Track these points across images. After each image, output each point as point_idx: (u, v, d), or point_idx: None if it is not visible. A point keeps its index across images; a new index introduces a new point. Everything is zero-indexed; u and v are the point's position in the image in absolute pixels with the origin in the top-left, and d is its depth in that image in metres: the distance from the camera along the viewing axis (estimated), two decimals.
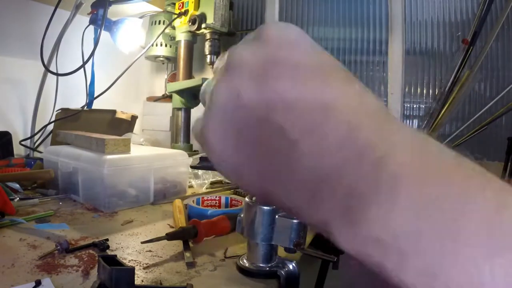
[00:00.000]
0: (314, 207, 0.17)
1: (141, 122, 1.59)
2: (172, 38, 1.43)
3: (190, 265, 0.51)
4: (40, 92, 1.17)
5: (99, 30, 1.09)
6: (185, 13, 1.28)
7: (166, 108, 1.53)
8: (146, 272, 0.48)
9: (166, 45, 1.46)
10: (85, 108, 1.18)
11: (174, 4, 1.35)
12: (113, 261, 0.40)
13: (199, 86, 1.22)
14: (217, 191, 0.97)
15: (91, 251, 0.54)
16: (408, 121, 1.71)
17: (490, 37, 1.50)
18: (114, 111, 1.23)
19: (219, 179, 1.06)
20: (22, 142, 1.13)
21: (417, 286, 0.15)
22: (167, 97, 1.58)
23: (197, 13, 1.25)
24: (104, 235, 0.60)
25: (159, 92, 1.73)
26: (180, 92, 1.31)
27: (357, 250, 0.17)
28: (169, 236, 0.55)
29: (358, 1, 1.76)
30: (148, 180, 0.83)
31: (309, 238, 0.67)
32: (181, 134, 1.37)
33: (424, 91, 1.69)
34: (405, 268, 0.15)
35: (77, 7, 1.13)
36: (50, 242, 0.56)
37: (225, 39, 1.36)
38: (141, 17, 1.34)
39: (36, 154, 1.15)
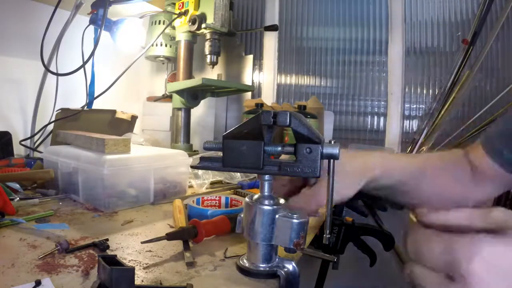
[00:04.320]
0: None
1: (141, 122, 1.59)
2: (172, 38, 1.43)
3: (190, 265, 0.51)
4: (40, 92, 1.17)
5: (99, 30, 1.09)
6: (185, 13, 1.28)
7: (166, 108, 1.53)
8: (146, 272, 0.48)
9: (166, 45, 1.46)
10: (85, 108, 1.18)
11: (174, 4, 1.35)
12: (113, 261, 0.40)
13: (199, 86, 1.22)
14: (217, 191, 0.97)
15: (91, 251, 0.54)
16: (408, 121, 1.71)
17: (490, 37, 1.50)
18: (114, 111, 1.24)
19: (219, 179, 1.06)
20: (22, 142, 1.13)
21: None
22: (167, 97, 1.58)
23: (197, 13, 1.25)
24: (104, 235, 0.60)
25: (159, 92, 1.73)
26: (180, 92, 1.31)
27: None
28: (169, 236, 0.55)
29: (358, 1, 1.76)
30: (148, 180, 0.83)
31: (309, 238, 0.67)
32: (181, 134, 1.37)
33: (424, 91, 1.69)
34: None
35: (77, 7, 1.13)
36: (50, 242, 0.56)
37: (225, 39, 1.36)
38: (141, 17, 1.34)
39: (36, 154, 1.15)
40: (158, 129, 1.58)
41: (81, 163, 0.78)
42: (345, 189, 0.48)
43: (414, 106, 1.70)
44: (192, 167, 0.49)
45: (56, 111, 1.13)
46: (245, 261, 0.50)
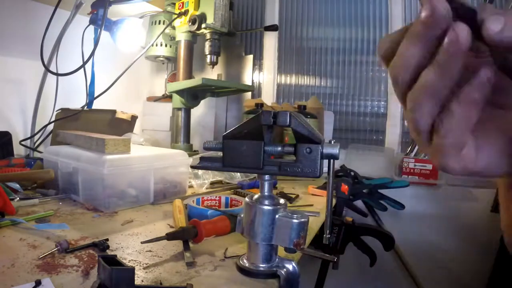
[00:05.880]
0: None
1: (141, 122, 1.59)
2: (172, 38, 1.43)
3: (190, 265, 0.51)
4: (40, 92, 1.17)
5: (99, 30, 1.09)
6: (185, 13, 1.28)
7: (166, 108, 1.53)
8: (146, 272, 0.48)
9: (166, 45, 1.46)
10: (85, 108, 1.18)
11: (174, 4, 1.35)
12: (113, 261, 0.40)
13: (199, 86, 1.22)
14: (217, 191, 0.97)
15: (91, 251, 0.54)
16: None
17: None
18: (114, 111, 1.23)
19: (219, 179, 1.06)
20: (22, 142, 1.13)
21: None
22: (167, 97, 1.58)
23: (197, 13, 1.25)
24: (104, 235, 0.60)
25: (159, 92, 1.73)
26: (180, 92, 1.32)
27: None
28: (169, 236, 0.55)
29: (358, 1, 1.76)
30: (148, 180, 0.83)
31: (309, 238, 0.67)
32: (181, 134, 1.37)
33: None
34: None
35: (77, 7, 1.13)
36: (50, 242, 0.56)
37: (225, 39, 1.36)
38: (141, 17, 1.34)
39: (36, 154, 1.15)
40: (158, 129, 1.58)
41: (81, 163, 0.79)
42: None
43: None
44: (192, 167, 0.49)
45: (56, 111, 1.13)
46: (245, 261, 0.50)
